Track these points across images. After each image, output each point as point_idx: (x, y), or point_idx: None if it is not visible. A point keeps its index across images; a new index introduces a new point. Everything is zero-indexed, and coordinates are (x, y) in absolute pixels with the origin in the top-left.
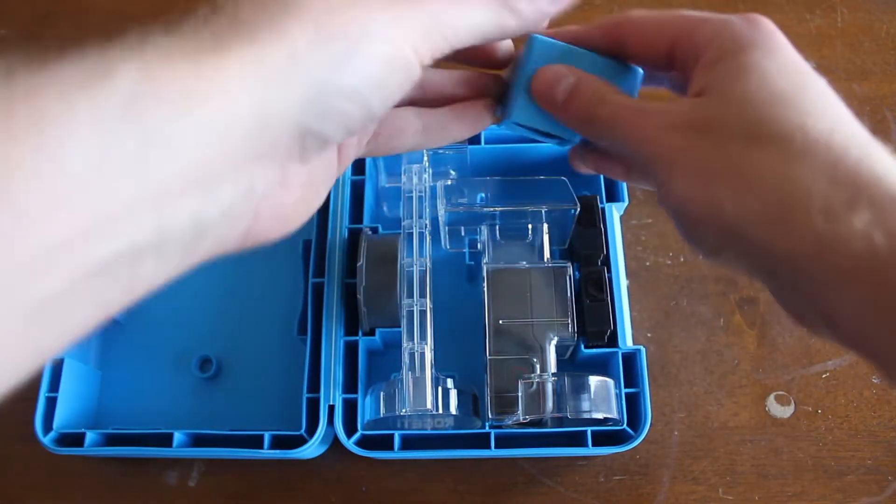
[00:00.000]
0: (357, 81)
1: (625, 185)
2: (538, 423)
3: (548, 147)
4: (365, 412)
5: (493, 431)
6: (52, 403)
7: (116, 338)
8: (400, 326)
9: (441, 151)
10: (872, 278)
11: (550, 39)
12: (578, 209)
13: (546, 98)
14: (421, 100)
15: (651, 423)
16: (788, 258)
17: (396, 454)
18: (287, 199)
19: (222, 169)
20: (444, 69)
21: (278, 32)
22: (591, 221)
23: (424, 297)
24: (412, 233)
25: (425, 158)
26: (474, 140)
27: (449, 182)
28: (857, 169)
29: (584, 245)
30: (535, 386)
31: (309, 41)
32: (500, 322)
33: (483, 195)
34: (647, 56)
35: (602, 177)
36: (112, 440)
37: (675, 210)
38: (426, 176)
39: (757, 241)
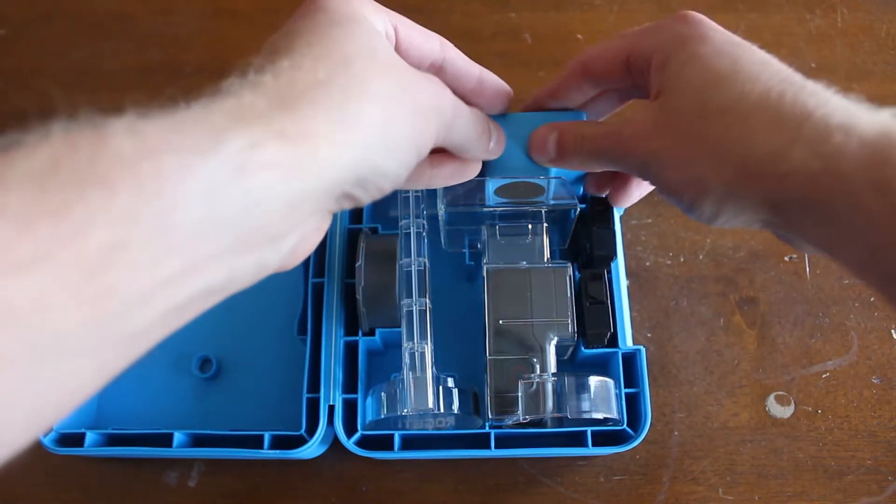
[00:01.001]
0: (398, 167)
1: None
2: (538, 423)
3: None
4: (366, 413)
5: (493, 431)
6: None
7: None
8: (400, 326)
9: None
10: (819, 199)
11: (499, 116)
12: (579, 209)
13: (544, 156)
14: None
15: (651, 423)
16: (766, 202)
17: (396, 454)
18: (315, 240)
19: (292, 224)
20: None
21: (356, 114)
22: (607, 223)
23: (423, 296)
24: (409, 233)
25: None
26: None
27: None
28: (793, 111)
29: (599, 246)
30: (535, 386)
31: (376, 132)
32: (500, 322)
33: (483, 195)
34: (610, 76)
35: None
36: (112, 440)
37: (673, 197)
38: None
39: (741, 197)
